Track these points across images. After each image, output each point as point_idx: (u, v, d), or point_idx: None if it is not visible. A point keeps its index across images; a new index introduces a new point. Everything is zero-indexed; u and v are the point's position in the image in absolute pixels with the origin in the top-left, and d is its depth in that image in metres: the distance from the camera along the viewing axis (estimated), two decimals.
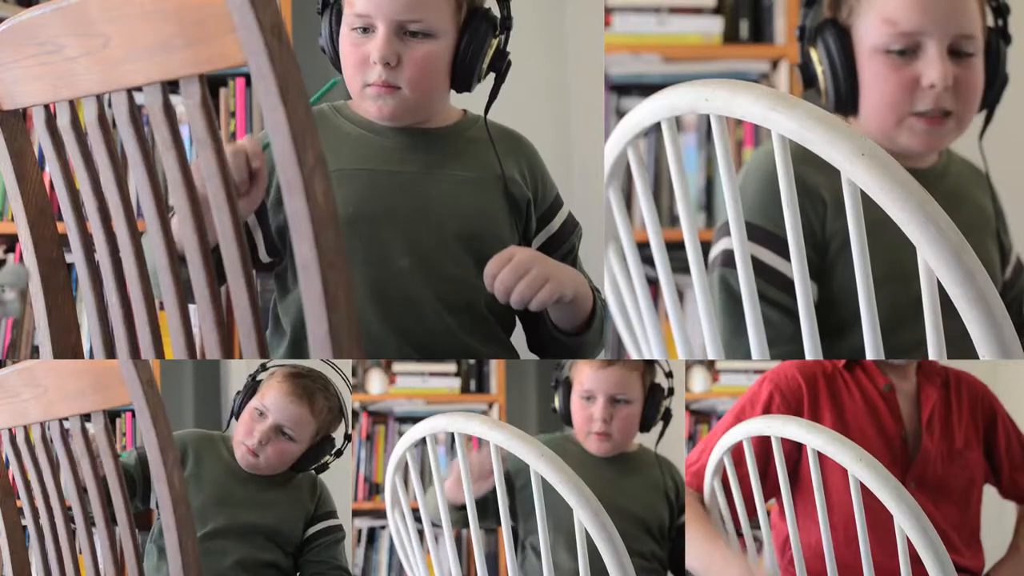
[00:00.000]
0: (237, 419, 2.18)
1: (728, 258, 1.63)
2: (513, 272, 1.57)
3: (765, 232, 1.60)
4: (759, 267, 1.58)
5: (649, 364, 2.16)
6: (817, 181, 1.63)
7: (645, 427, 2.18)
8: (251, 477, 2.18)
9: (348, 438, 2.23)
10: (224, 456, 2.20)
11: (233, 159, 1.45)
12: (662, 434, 2.20)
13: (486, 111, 1.71)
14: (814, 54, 1.70)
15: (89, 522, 1.49)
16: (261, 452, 2.14)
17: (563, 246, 1.76)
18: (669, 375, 2.18)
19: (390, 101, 1.64)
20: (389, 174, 1.67)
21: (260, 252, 1.70)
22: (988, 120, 1.75)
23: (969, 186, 1.80)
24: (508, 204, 1.71)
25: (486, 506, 1.89)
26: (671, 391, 2.19)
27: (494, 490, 1.98)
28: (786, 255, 1.62)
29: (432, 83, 1.65)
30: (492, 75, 1.69)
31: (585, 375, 2.14)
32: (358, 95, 1.67)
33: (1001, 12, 1.70)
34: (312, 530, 2.22)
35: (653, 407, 2.16)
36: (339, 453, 2.22)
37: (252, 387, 2.18)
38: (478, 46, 1.64)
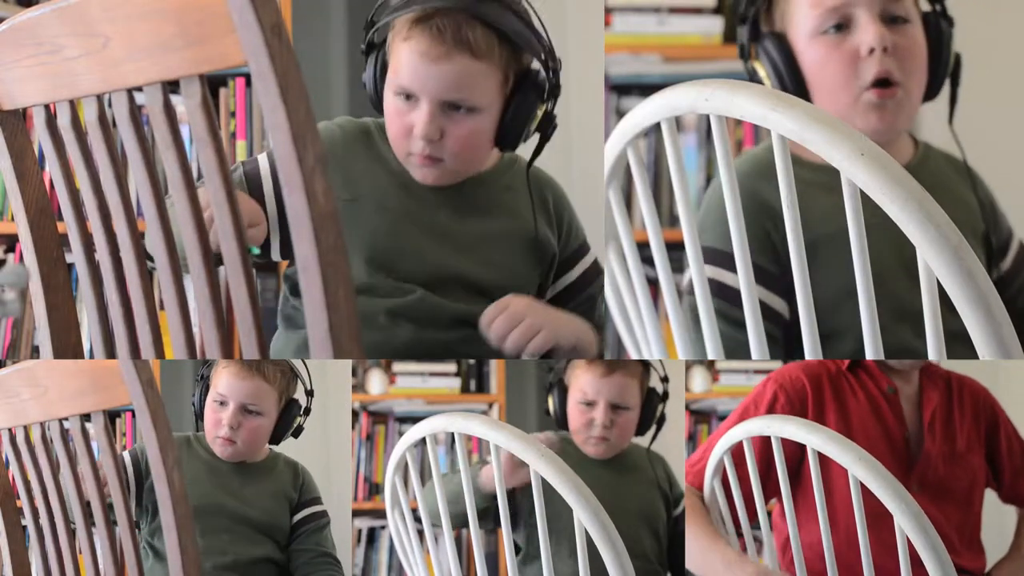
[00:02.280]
0: (202, 419, 2.21)
1: None
2: (507, 321, 1.59)
3: (731, 256, 1.60)
4: (729, 292, 1.58)
5: (646, 368, 2.17)
6: (775, 196, 1.64)
7: (641, 431, 2.19)
8: (232, 471, 2.21)
9: (310, 394, 2.25)
10: (201, 455, 2.22)
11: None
12: (655, 437, 2.21)
13: (528, 168, 1.70)
14: (758, 67, 1.74)
15: (89, 522, 1.49)
16: (236, 437, 2.17)
17: (580, 295, 1.77)
18: (665, 379, 2.19)
19: (434, 171, 1.64)
20: (421, 218, 1.66)
21: (274, 251, 1.70)
22: (953, 102, 1.77)
23: (949, 181, 1.80)
24: (537, 258, 1.72)
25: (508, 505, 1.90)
26: (666, 395, 2.20)
27: (513, 491, 2.00)
28: (756, 278, 1.62)
29: (475, 154, 1.65)
30: (537, 135, 1.67)
31: (586, 382, 2.15)
32: (403, 159, 1.66)
33: None
34: (297, 517, 2.24)
35: (649, 412, 2.18)
36: (307, 411, 2.25)
37: (204, 384, 2.20)
38: (525, 115, 1.62)
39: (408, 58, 1.58)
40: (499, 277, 1.67)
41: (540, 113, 1.64)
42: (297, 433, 2.25)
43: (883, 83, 1.67)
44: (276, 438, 2.23)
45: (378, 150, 1.70)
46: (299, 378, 2.25)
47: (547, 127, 1.66)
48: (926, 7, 1.74)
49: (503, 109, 1.62)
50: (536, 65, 1.64)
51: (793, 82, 1.70)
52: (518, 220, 1.71)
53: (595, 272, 1.78)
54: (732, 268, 1.58)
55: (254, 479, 2.23)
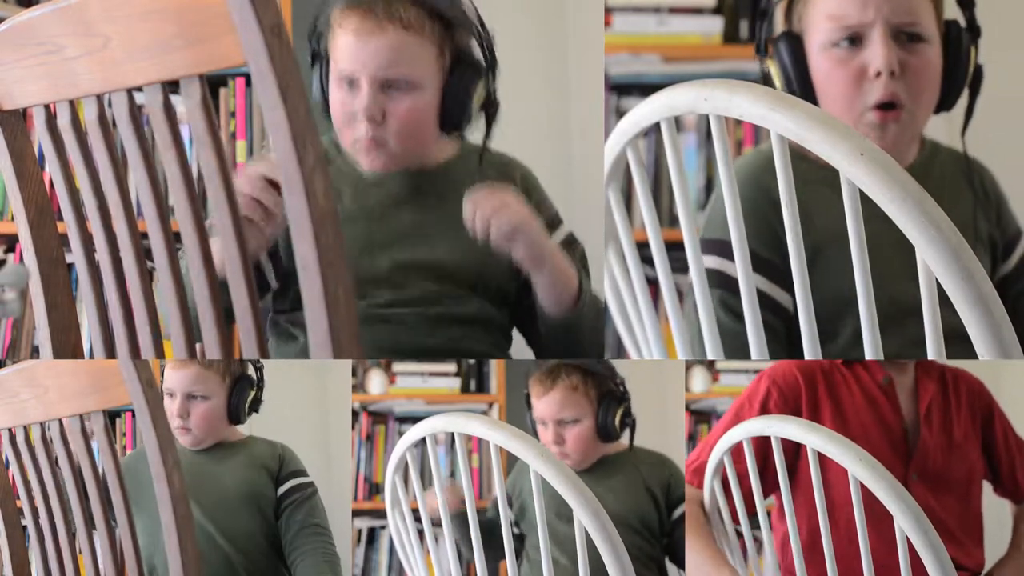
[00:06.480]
0: None
1: (711, 279, 1.63)
2: (486, 194, 1.59)
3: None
4: (732, 283, 1.58)
5: (593, 377, 2.12)
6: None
7: (606, 438, 2.15)
8: (205, 454, 2.26)
9: (259, 368, 2.30)
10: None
11: (258, 184, 1.46)
12: (632, 438, 2.18)
13: (481, 156, 1.71)
14: (771, 66, 1.71)
15: (89, 522, 1.49)
16: (189, 424, 2.23)
17: None
18: (619, 382, 2.15)
19: (380, 156, 1.66)
20: (385, 215, 1.68)
21: (270, 279, 1.71)
22: (969, 115, 1.73)
23: (954, 181, 1.78)
24: None
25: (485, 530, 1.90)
26: (625, 397, 2.16)
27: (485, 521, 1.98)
28: (760, 271, 1.62)
29: (418, 134, 1.66)
30: (484, 116, 1.69)
31: (534, 403, 2.16)
32: (350, 148, 1.68)
33: (966, 4, 1.70)
34: (282, 490, 2.27)
35: (607, 418, 2.13)
36: (261, 386, 2.29)
37: (162, 382, 2.25)
38: (464, 93, 1.64)
39: (343, 41, 1.62)
40: (468, 260, 1.68)
41: (480, 91, 1.65)
42: (256, 407, 2.29)
43: (887, 106, 1.64)
44: (235, 417, 2.26)
45: (332, 162, 1.72)
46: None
47: (491, 107, 1.68)
48: (952, 16, 1.69)
49: (442, 88, 1.64)
50: (473, 44, 1.66)
51: (802, 87, 1.68)
52: None
53: (570, 243, 1.77)
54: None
55: (228, 456, 2.28)
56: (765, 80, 1.73)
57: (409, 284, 1.67)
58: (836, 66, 1.65)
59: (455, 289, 1.68)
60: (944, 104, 1.71)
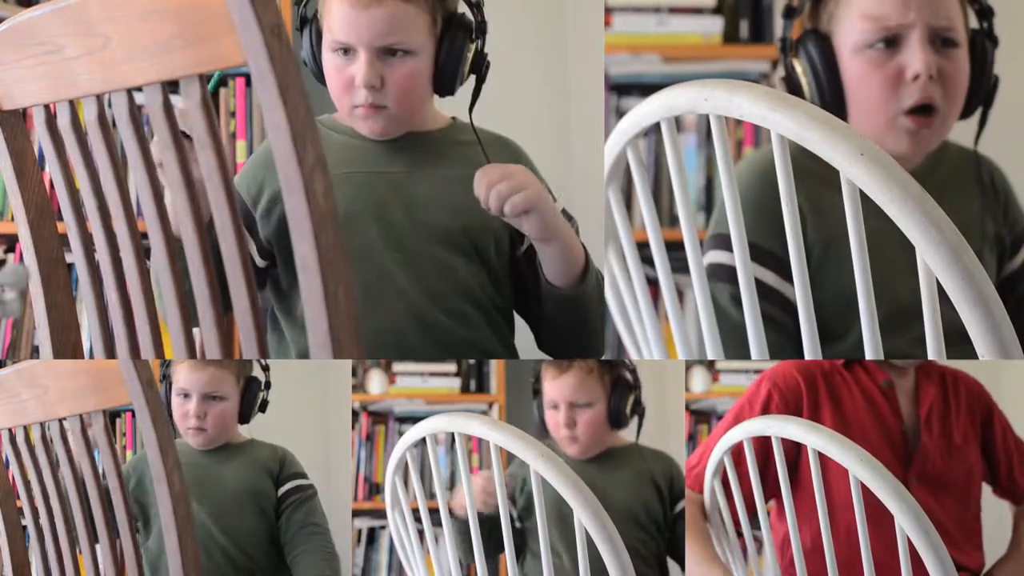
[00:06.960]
0: (172, 417, 2.31)
1: (715, 271, 1.62)
2: (501, 171, 1.61)
3: (752, 245, 1.60)
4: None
5: (607, 363, 2.17)
6: (795, 187, 1.63)
7: (617, 424, 2.19)
8: (208, 455, 2.30)
9: (267, 369, 2.36)
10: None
11: None
12: (640, 428, 2.21)
13: (470, 110, 1.74)
14: (797, 65, 1.69)
15: (89, 522, 1.49)
16: (205, 424, 2.27)
17: None
18: (632, 370, 2.19)
19: (379, 120, 1.68)
20: (376, 175, 1.71)
21: (255, 258, 1.71)
22: (983, 123, 1.73)
23: (963, 179, 1.78)
24: None
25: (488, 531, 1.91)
26: (637, 385, 2.20)
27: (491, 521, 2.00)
28: (771, 266, 1.61)
29: (417, 97, 1.69)
30: (473, 77, 1.71)
31: (547, 386, 2.18)
32: (347, 115, 1.70)
33: (985, 15, 1.69)
34: (282, 490, 2.32)
35: (619, 404, 2.17)
36: (268, 385, 2.36)
37: (168, 381, 2.30)
38: (457, 54, 1.67)
39: (339, 12, 1.64)
40: (465, 222, 1.69)
41: (471, 53, 1.68)
42: (263, 407, 2.34)
43: (922, 110, 1.62)
44: (244, 417, 2.32)
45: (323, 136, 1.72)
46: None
47: (480, 67, 1.70)
48: (973, 24, 1.68)
49: (436, 52, 1.67)
50: (462, 8, 1.70)
51: (832, 90, 1.65)
52: (472, 168, 1.71)
53: (565, 217, 1.78)
54: (752, 257, 1.59)
55: (231, 457, 2.32)
56: (791, 79, 1.70)
57: (406, 241, 1.68)
58: (871, 69, 1.63)
59: (449, 254, 1.68)
60: (964, 112, 1.70)
